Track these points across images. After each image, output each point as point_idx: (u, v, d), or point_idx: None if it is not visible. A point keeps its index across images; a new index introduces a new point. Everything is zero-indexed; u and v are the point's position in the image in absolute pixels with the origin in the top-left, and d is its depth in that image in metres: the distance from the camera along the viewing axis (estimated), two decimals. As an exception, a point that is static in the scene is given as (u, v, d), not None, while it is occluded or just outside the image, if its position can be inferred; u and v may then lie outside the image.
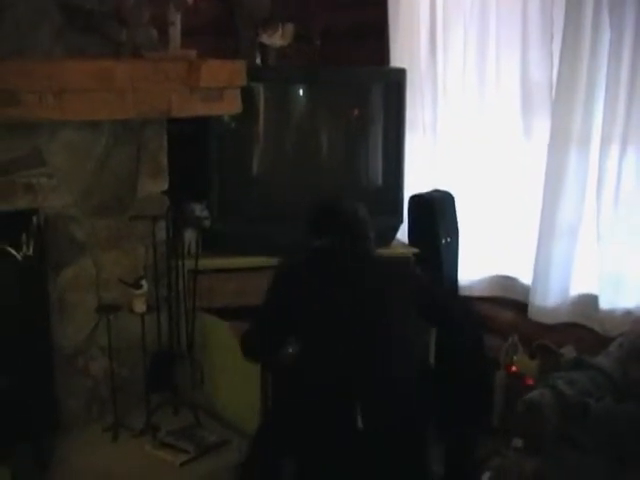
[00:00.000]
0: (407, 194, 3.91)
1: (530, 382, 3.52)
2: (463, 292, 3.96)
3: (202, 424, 3.45)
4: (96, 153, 3.31)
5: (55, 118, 3.01)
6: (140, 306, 3.34)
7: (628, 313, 3.37)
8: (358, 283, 2.85)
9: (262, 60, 3.91)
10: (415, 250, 3.81)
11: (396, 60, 4.04)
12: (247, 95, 3.44)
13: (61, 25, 3.18)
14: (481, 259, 3.95)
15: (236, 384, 3.41)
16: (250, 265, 3.61)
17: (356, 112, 3.84)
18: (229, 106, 3.36)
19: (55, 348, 3.37)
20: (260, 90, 3.65)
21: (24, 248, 3.06)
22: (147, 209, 3.41)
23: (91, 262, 3.38)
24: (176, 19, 3.38)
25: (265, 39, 3.91)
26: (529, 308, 3.68)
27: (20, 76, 2.91)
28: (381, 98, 3.82)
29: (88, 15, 3.21)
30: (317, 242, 2.91)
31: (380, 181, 3.86)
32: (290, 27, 3.96)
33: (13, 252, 3.01)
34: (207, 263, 3.55)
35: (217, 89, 3.30)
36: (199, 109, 3.28)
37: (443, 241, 3.83)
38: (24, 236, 3.06)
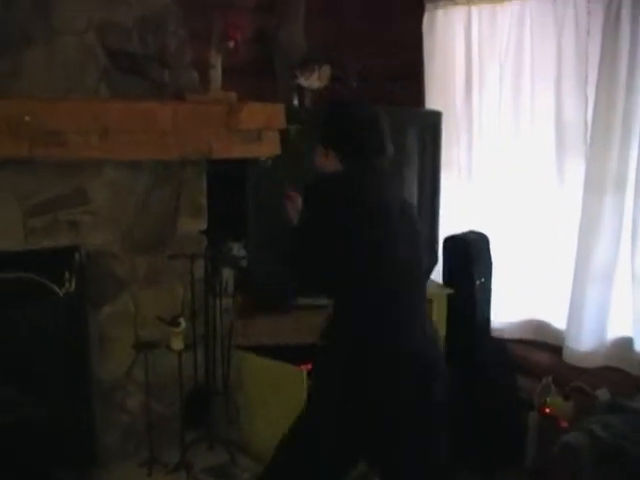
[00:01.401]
0: (442, 234, 3.94)
1: (564, 424, 3.52)
2: (496, 334, 3.97)
3: (236, 461, 3.48)
4: (137, 192, 3.37)
5: (99, 158, 3.09)
6: (178, 343, 3.39)
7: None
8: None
9: (299, 102, 3.97)
10: (450, 290, 3.84)
11: (431, 101, 4.10)
12: (284, 136, 3.50)
13: (106, 67, 3.27)
14: (514, 301, 3.96)
15: (273, 421, 3.43)
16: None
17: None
18: (268, 148, 3.42)
19: (94, 382, 3.42)
20: (297, 132, 3.71)
21: (66, 284, 3.12)
22: (186, 248, 3.47)
23: (130, 299, 3.43)
24: (217, 62, 3.45)
25: (302, 81, 3.97)
26: (564, 351, 3.69)
27: (67, 116, 3.00)
28: (417, 140, 3.87)
29: (132, 58, 3.29)
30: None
31: (415, 221, 3.88)
32: (327, 69, 4.02)
33: (55, 289, 3.07)
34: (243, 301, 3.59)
35: (256, 131, 3.36)
36: (238, 151, 3.34)
37: (477, 282, 3.85)
38: (66, 272, 3.12)
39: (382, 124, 2.80)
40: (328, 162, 2.72)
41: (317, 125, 2.83)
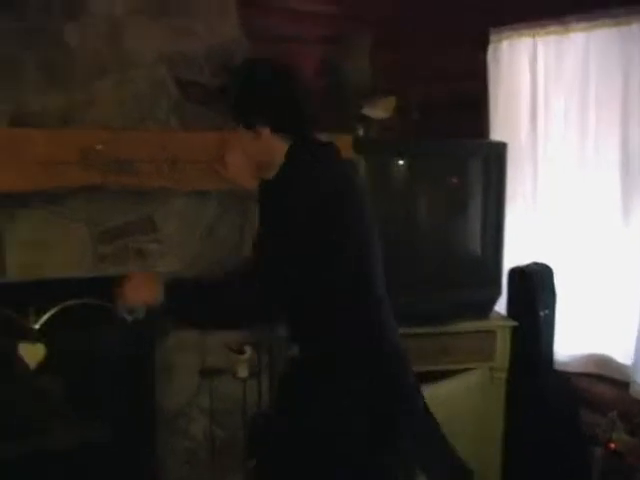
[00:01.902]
0: (506, 266, 3.92)
1: (631, 461, 3.46)
2: (560, 367, 3.92)
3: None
4: (204, 221, 3.43)
5: (169, 187, 3.16)
6: (243, 371, 3.42)
7: None
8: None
9: (364, 132, 4.00)
10: (513, 323, 3.81)
11: (496, 132, 4.09)
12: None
13: (177, 98, 3.34)
14: (579, 334, 3.91)
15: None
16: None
17: (456, 184, 3.90)
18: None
19: (158, 408, 3.46)
20: (362, 162, 3.73)
21: (135, 311, 3.16)
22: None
23: (196, 327, 3.47)
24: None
25: (367, 111, 4.00)
26: (631, 386, 3.63)
27: (137, 146, 3.08)
28: (481, 171, 3.87)
29: (202, 89, 3.35)
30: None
31: (479, 253, 3.89)
32: (392, 100, 4.05)
33: (125, 316, 3.11)
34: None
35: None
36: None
37: (541, 314, 3.82)
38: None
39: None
40: (264, 144, 2.31)
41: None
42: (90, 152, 2.99)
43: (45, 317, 3.12)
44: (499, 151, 3.83)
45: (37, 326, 3.11)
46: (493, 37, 4.08)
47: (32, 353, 3.12)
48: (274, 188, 2.29)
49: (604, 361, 3.83)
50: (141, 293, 2.39)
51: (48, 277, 3.13)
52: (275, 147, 2.31)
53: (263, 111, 2.30)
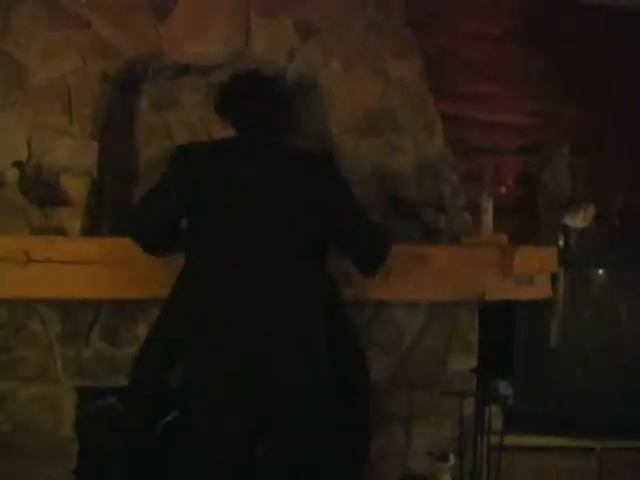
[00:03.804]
0: None
1: None
2: None
3: None
4: (412, 329, 3.52)
5: (382, 298, 3.31)
6: (447, 478, 3.45)
7: None
8: (251, 179, 2.66)
9: (565, 242, 4.02)
10: None
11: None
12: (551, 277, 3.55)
13: (387, 212, 3.50)
14: None
15: None
16: (551, 445, 3.66)
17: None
18: (539, 291, 3.48)
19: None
20: (562, 272, 3.74)
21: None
22: (455, 385, 3.56)
23: (401, 433, 3.55)
24: (489, 206, 3.60)
25: (567, 221, 4.03)
26: None
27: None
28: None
29: (411, 203, 3.50)
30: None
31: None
32: (592, 209, 4.06)
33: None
34: (508, 440, 3.61)
35: (528, 274, 3.44)
36: (511, 293, 3.44)
37: None
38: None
39: (266, 91, 2.82)
40: None
41: None
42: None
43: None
44: None
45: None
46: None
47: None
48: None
49: None
50: None
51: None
52: None
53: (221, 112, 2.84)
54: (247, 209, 2.64)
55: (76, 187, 3.20)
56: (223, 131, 3.28)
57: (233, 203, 2.65)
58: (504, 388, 3.65)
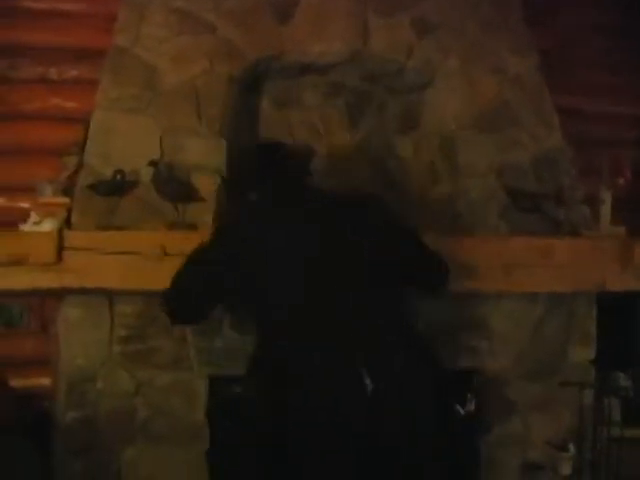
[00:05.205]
0: None
1: None
2: None
3: None
4: (531, 321, 3.57)
5: (503, 290, 3.37)
6: (566, 468, 3.49)
7: None
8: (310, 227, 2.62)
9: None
10: None
11: None
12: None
13: (506, 205, 3.55)
14: None
15: None
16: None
17: None
18: (660, 283, 3.48)
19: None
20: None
21: (467, 405, 3.36)
22: (574, 375, 3.59)
23: (520, 422, 3.60)
24: (607, 198, 3.61)
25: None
26: None
27: (471, 251, 3.30)
28: None
29: (530, 196, 3.54)
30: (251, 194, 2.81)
31: None
32: None
33: (459, 408, 3.32)
34: (626, 432, 3.62)
35: (649, 265, 3.45)
36: (632, 284, 3.46)
37: None
38: (468, 394, 3.37)
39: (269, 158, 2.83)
40: None
41: None
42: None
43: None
44: None
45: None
46: None
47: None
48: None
49: None
50: None
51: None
52: None
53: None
54: (312, 268, 2.57)
55: (206, 184, 3.33)
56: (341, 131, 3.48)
57: (296, 265, 2.59)
58: (623, 380, 3.66)
